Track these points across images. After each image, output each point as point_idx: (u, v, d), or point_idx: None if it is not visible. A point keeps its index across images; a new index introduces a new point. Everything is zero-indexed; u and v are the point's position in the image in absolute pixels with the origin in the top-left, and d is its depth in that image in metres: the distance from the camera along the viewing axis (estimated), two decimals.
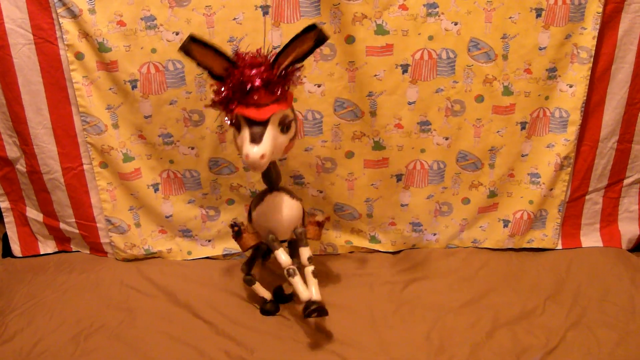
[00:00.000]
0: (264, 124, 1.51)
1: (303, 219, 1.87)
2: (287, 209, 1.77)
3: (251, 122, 1.51)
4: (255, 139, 1.50)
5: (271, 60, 1.55)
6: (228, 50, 1.95)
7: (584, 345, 1.71)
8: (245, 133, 1.52)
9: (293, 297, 1.97)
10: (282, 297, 1.97)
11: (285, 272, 1.71)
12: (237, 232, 1.81)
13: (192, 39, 1.47)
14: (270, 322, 1.86)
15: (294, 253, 1.83)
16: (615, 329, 1.78)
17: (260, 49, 1.58)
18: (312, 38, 1.51)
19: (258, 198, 1.81)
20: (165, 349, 1.74)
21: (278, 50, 1.55)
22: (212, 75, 1.57)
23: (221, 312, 1.90)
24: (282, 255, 1.73)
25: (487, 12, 1.94)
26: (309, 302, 1.66)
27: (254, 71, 1.50)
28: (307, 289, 1.69)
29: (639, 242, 2.30)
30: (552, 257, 2.23)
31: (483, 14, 1.94)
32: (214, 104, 1.59)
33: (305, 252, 1.78)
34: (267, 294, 1.93)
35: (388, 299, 1.98)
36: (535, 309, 1.89)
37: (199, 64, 1.54)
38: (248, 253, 1.94)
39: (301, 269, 1.75)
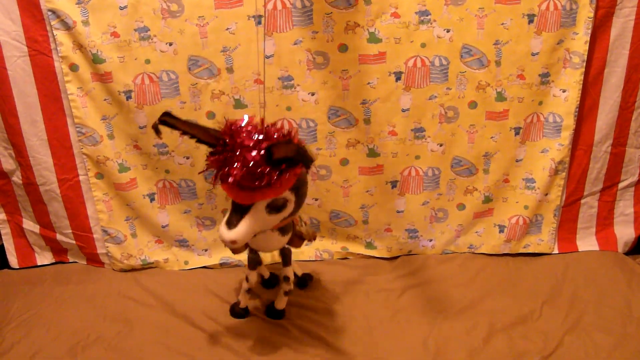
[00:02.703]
0: (246, 207, 1.45)
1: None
2: (275, 243, 1.73)
3: (232, 202, 1.46)
4: (231, 222, 1.44)
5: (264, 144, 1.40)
6: (221, 60, 1.98)
7: (581, 350, 1.71)
8: (227, 210, 1.47)
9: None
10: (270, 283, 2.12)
11: (246, 288, 1.90)
12: None
13: (167, 115, 1.39)
14: (267, 331, 1.86)
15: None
16: (612, 332, 1.78)
17: (257, 123, 1.47)
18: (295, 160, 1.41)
19: None
20: None
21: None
22: (199, 140, 1.47)
23: (218, 322, 1.90)
24: (252, 277, 1.89)
25: (479, 19, 1.95)
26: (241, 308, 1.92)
27: (239, 156, 1.37)
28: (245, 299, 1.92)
29: (635, 245, 2.30)
30: (549, 262, 2.23)
31: (475, 20, 1.95)
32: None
33: (285, 272, 1.88)
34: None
35: (384, 306, 1.98)
36: (532, 313, 1.90)
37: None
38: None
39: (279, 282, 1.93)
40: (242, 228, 1.44)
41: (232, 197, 1.44)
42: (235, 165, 1.37)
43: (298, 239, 1.82)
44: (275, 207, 1.50)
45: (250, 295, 1.94)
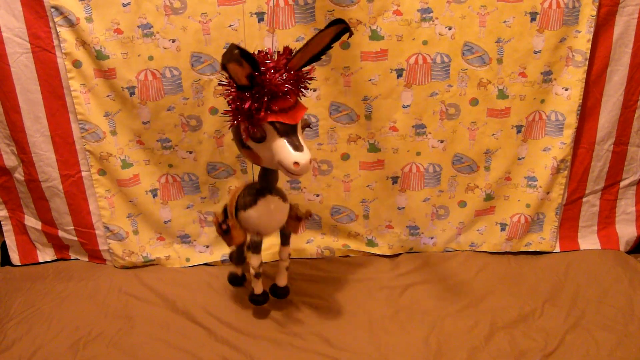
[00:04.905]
0: (294, 128, 1.46)
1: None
2: (279, 214, 1.75)
3: (283, 130, 1.44)
4: (298, 146, 1.43)
5: (287, 61, 1.48)
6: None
7: (583, 348, 1.71)
8: (281, 142, 1.44)
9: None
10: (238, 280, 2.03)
11: (254, 273, 1.81)
12: (225, 230, 1.75)
13: (238, 49, 1.31)
14: (269, 328, 1.86)
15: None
16: (614, 331, 1.78)
17: (269, 49, 1.51)
18: (332, 33, 1.46)
19: (250, 199, 1.71)
20: (164, 357, 1.74)
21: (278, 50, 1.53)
22: (238, 86, 1.45)
23: (220, 319, 1.90)
24: (256, 260, 1.78)
25: (482, 17, 1.95)
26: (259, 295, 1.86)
27: (282, 76, 1.42)
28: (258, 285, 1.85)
29: (637, 244, 2.30)
30: (550, 260, 2.22)
31: (477, 18, 1.96)
32: (238, 116, 1.47)
33: (285, 251, 1.87)
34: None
35: (386, 303, 1.98)
36: (533, 312, 1.90)
37: (230, 76, 1.42)
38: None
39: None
40: (304, 143, 1.45)
41: (286, 120, 1.43)
42: (281, 78, 1.41)
43: (295, 221, 1.81)
44: (304, 126, 1.55)
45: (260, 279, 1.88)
